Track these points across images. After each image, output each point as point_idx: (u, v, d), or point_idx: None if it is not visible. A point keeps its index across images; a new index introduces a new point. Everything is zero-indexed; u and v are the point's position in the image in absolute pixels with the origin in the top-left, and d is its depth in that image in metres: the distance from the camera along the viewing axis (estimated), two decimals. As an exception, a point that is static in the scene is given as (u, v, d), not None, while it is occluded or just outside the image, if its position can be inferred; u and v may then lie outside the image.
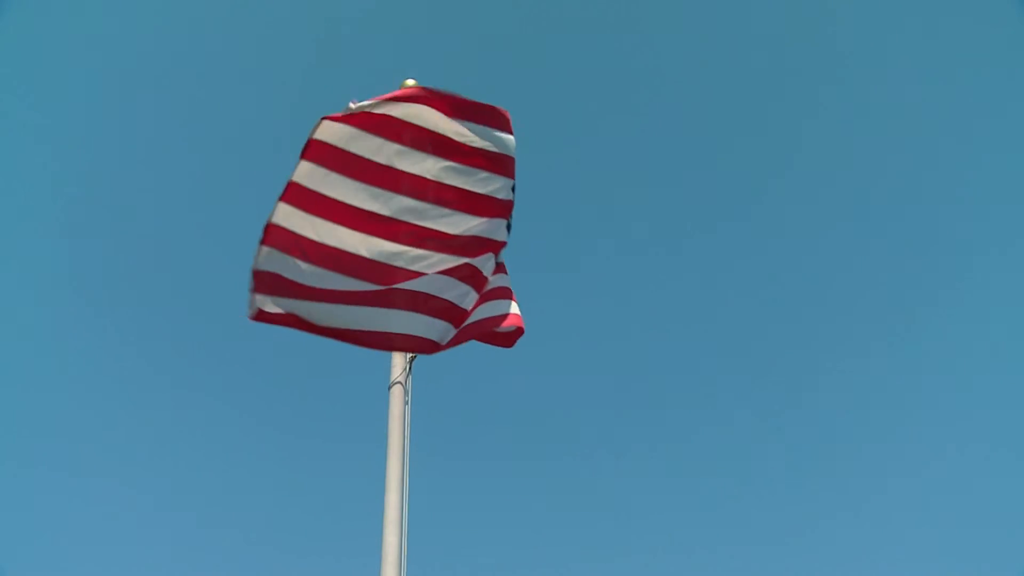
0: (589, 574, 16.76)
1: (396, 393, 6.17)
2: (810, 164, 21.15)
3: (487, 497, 18.39)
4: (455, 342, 6.38)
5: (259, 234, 5.70)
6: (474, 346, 6.47)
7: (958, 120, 19.82)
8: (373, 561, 5.39)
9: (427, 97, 5.92)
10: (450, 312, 6.30)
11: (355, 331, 6.03)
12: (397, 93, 5.97)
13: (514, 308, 6.66)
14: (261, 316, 5.72)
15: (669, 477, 18.75)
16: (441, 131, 5.97)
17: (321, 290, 5.86)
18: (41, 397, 17.38)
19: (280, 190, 5.76)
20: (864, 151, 20.70)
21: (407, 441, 5.96)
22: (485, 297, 6.51)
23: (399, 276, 6.07)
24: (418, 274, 6.12)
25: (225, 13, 20.48)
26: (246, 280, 5.72)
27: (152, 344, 18.96)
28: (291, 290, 5.78)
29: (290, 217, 5.76)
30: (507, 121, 6.13)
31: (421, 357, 6.34)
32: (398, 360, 6.33)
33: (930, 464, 17.74)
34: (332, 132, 5.79)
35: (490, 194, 6.18)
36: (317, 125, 5.74)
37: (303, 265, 5.77)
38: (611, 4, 21.91)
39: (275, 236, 5.72)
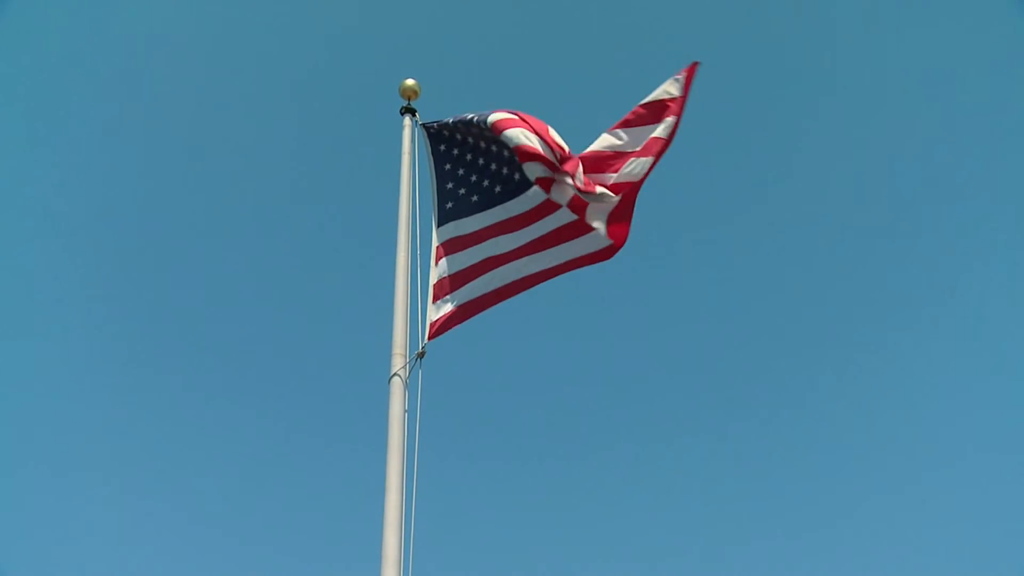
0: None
1: (396, 386, 6.00)
2: (810, 164, 21.15)
3: (495, 498, 18.30)
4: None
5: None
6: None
7: (958, 120, 19.83)
8: (374, 564, 5.24)
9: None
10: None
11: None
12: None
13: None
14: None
15: (671, 477, 18.73)
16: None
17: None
18: (41, 397, 17.36)
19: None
20: (864, 151, 20.70)
21: (407, 438, 5.80)
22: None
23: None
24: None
25: (226, 14, 20.48)
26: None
27: (150, 343, 18.93)
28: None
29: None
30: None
31: (429, 352, 6.28)
32: (399, 352, 6.18)
33: (930, 465, 17.71)
34: None
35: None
36: None
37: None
38: (611, 5, 21.92)
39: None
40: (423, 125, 7.82)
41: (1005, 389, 17.67)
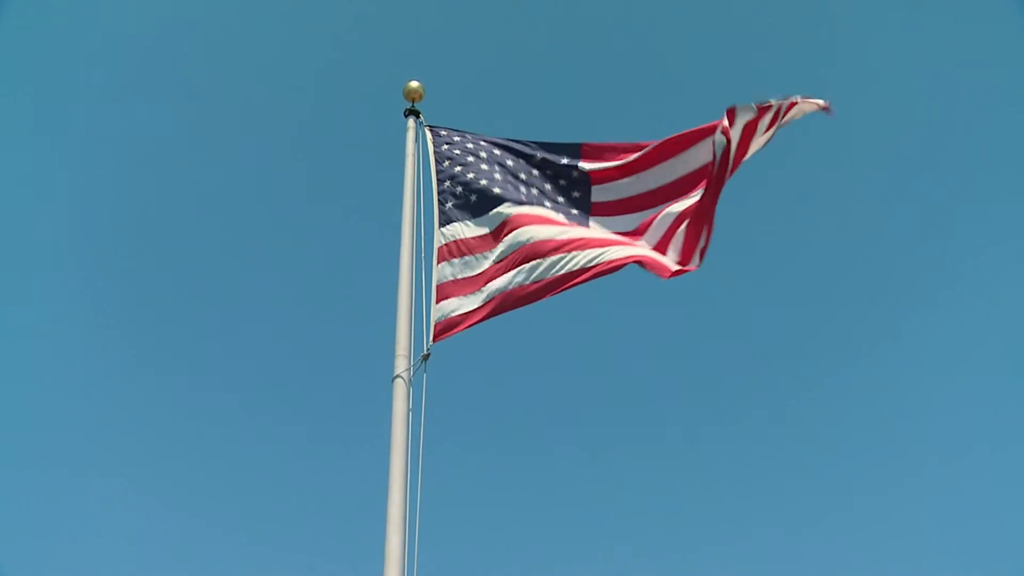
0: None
1: (399, 387, 6.02)
2: (808, 164, 21.16)
3: (499, 496, 18.29)
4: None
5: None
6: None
7: (958, 120, 19.85)
8: (377, 562, 5.27)
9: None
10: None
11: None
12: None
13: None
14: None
15: (672, 477, 18.78)
16: None
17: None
18: (41, 397, 17.38)
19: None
20: (863, 151, 20.72)
21: (411, 438, 5.80)
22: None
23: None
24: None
25: (230, 14, 20.49)
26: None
27: (151, 342, 18.94)
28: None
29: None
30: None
31: (432, 351, 6.28)
32: (402, 354, 6.19)
33: (930, 465, 17.74)
34: None
35: None
36: None
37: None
38: (612, 5, 21.94)
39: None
40: (429, 127, 7.86)
41: (992, 389, 17.76)
